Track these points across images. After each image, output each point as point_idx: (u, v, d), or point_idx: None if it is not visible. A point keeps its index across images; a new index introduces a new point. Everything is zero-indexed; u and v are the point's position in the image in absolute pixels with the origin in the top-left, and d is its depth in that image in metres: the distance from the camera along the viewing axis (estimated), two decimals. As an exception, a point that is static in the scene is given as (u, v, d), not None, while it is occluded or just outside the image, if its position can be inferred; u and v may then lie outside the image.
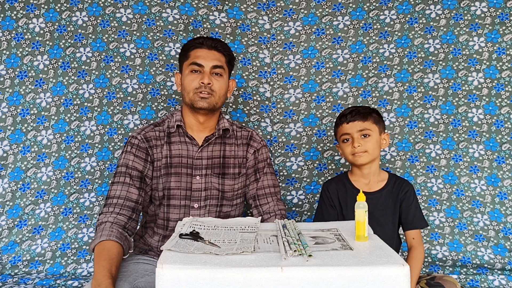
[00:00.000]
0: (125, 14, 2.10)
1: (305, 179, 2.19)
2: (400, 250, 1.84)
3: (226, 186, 1.67)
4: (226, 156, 1.68)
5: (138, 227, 1.75)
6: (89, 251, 2.08)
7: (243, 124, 1.93)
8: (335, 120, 1.78)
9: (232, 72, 2.12)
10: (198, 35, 2.10)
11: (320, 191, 1.85)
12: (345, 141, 1.71)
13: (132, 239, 1.51)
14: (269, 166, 1.75)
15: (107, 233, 1.39)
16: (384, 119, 2.15)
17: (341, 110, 1.85)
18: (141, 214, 1.65)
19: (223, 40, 2.09)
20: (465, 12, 2.13)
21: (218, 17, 2.14)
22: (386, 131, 1.78)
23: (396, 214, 1.72)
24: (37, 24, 2.04)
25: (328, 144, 2.17)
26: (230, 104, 2.16)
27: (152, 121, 2.06)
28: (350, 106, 1.96)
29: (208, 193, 1.64)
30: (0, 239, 2.04)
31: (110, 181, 1.80)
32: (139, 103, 2.12)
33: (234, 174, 1.69)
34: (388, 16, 2.15)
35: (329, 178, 2.07)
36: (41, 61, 2.05)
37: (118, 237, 1.40)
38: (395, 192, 1.72)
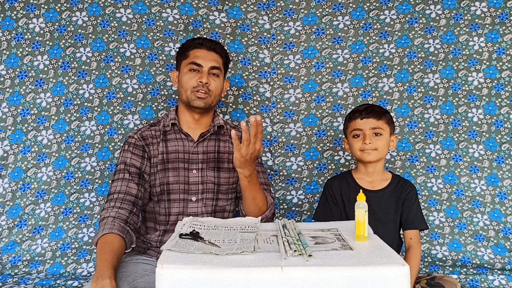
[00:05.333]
0: (125, 14, 2.10)
1: (305, 179, 2.19)
2: (401, 252, 1.84)
3: (222, 179, 1.72)
4: (220, 151, 1.75)
5: (139, 224, 1.77)
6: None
7: (236, 124, 1.96)
8: (341, 116, 1.76)
9: (232, 72, 2.14)
10: (198, 35, 2.10)
11: (322, 188, 1.86)
12: (356, 136, 1.71)
13: (133, 235, 1.54)
14: (260, 165, 1.81)
15: (109, 227, 1.44)
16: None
17: (352, 108, 1.82)
18: (141, 209, 1.68)
19: (221, 42, 2.10)
20: (465, 12, 2.12)
21: (218, 17, 2.14)
22: (395, 133, 1.78)
23: (398, 213, 1.72)
24: (37, 24, 2.04)
25: (328, 144, 2.17)
26: (230, 104, 2.16)
27: (152, 121, 2.06)
28: (362, 103, 1.89)
29: (205, 186, 1.69)
30: (0, 239, 2.04)
31: (110, 181, 1.82)
32: (139, 103, 2.12)
33: (229, 168, 1.73)
34: (388, 16, 2.15)
35: (329, 177, 2.06)
36: (41, 61, 2.05)
37: (120, 230, 1.45)
38: (398, 191, 1.73)
